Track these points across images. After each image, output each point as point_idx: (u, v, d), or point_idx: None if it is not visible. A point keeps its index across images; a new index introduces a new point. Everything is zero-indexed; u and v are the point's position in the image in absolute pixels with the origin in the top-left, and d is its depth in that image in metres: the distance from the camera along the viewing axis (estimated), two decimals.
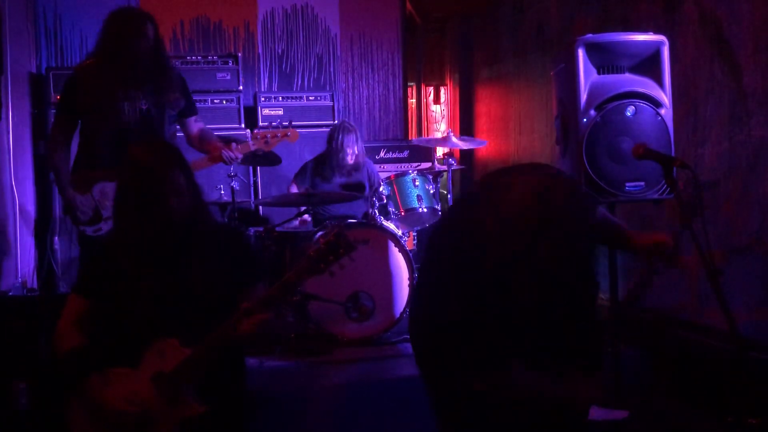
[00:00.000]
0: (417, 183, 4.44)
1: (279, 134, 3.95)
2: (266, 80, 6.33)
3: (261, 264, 3.98)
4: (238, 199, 4.71)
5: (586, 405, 1.90)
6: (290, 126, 4.04)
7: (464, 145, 5.24)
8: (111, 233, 2.56)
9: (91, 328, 2.36)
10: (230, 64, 5.67)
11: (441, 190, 4.90)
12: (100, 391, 2.25)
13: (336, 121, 5.80)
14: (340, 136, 4.88)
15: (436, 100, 7.36)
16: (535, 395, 1.88)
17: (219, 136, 4.05)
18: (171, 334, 2.24)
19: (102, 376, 2.27)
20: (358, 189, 4.90)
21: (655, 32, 3.35)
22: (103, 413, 2.24)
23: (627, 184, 3.21)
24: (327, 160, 4.97)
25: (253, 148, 3.85)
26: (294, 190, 5.00)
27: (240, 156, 3.82)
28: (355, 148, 4.90)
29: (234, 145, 3.81)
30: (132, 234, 2.35)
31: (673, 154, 3.12)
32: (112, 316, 2.33)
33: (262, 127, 4.49)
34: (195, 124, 3.87)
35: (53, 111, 5.09)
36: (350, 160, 4.89)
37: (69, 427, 2.31)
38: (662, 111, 3.24)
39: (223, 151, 3.75)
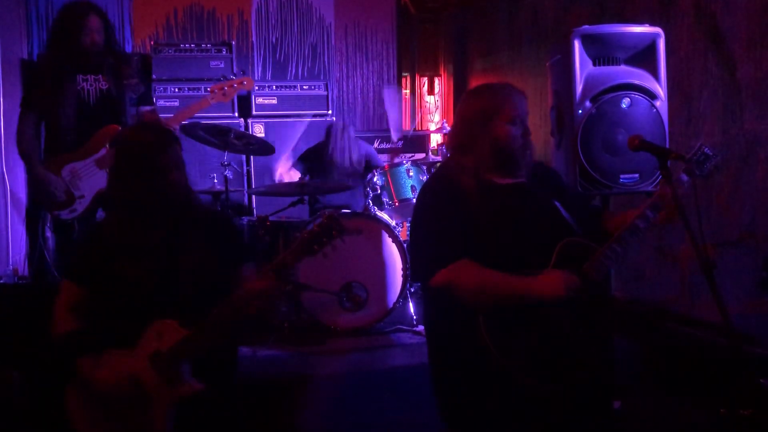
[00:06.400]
0: (411, 173, 4.44)
1: (235, 84, 4.09)
2: (260, 69, 6.30)
3: (248, 245, 4.03)
4: (231, 188, 4.69)
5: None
6: (244, 75, 4.21)
7: None
8: (102, 218, 2.56)
9: (87, 313, 2.38)
10: (224, 52, 5.63)
11: None
12: (93, 370, 2.27)
13: (330, 111, 5.79)
14: (337, 141, 4.89)
15: (431, 91, 7.32)
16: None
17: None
18: (166, 316, 2.25)
19: (96, 356, 2.29)
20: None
21: (651, 24, 3.35)
22: (98, 393, 2.26)
23: (621, 176, 3.22)
24: (324, 157, 4.95)
25: (213, 102, 3.98)
26: (290, 169, 4.96)
27: (194, 113, 3.92)
28: (351, 148, 4.91)
29: (191, 106, 3.94)
30: (130, 212, 2.36)
31: (667, 146, 3.13)
32: (107, 300, 2.34)
33: (218, 81, 4.65)
34: (150, 115, 4.02)
35: None
36: (347, 163, 4.91)
37: (67, 411, 2.32)
38: (657, 103, 3.25)
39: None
